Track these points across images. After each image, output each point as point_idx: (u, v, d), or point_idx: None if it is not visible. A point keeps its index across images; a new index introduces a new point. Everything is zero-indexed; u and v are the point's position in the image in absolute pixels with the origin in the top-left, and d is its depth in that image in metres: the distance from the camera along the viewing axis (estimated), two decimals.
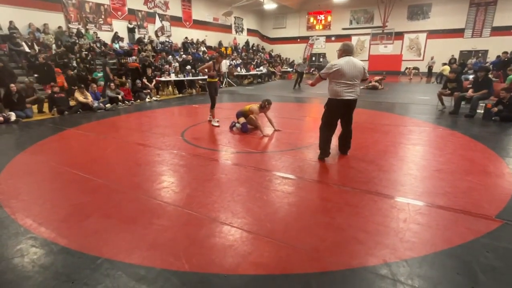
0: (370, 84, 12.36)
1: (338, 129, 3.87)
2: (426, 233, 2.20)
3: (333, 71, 3.45)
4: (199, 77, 11.88)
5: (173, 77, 11.12)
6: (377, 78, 12.64)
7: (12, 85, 6.62)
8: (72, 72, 9.21)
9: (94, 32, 12.53)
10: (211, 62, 5.73)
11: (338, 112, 3.65)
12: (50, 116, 7.01)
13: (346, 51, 3.57)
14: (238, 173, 3.44)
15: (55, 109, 7.17)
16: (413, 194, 2.86)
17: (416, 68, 17.71)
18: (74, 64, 10.13)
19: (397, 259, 1.92)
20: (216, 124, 5.83)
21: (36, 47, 9.86)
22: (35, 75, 8.93)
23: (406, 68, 18.31)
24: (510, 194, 2.80)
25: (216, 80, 5.83)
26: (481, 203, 2.64)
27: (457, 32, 18.25)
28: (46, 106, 7.38)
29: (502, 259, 1.91)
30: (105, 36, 12.89)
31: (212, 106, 5.91)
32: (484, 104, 6.34)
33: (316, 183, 3.14)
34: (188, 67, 12.18)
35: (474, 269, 1.82)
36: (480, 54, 16.95)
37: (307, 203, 2.70)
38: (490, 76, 7.25)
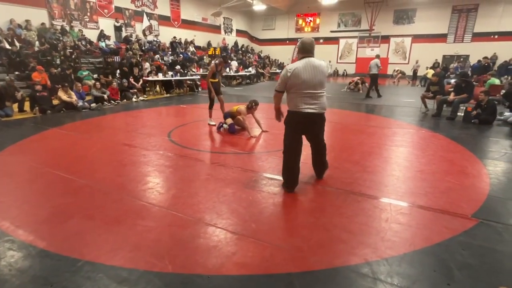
0: (351, 84, 12.66)
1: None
2: (406, 232, 2.26)
3: (289, 77, 2.65)
4: (187, 77, 11.79)
5: (160, 77, 10.99)
6: (356, 79, 12.92)
7: None
8: (55, 70, 8.98)
9: (79, 30, 12.24)
10: (213, 64, 5.82)
11: (299, 129, 2.84)
12: (32, 115, 6.80)
13: (304, 51, 2.73)
14: (225, 174, 3.44)
15: (37, 108, 6.96)
16: (396, 194, 2.93)
17: (402, 73, 18.12)
18: (58, 62, 9.87)
19: (378, 258, 1.97)
20: (212, 123, 5.86)
21: (17, 44, 9.54)
22: (16, 73, 8.65)
23: (394, 71, 18.61)
24: (486, 194, 2.91)
25: (217, 80, 5.83)
26: (459, 202, 2.73)
27: (440, 37, 18.81)
28: (27, 105, 7.16)
29: (476, 256, 1.98)
30: (91, 34, 12.61)
31: (210, 107, 5.90)
32: (464, 107, 6.56)
33: (302, 184, 3.17)
34: (178, 67, 12.06)
35: (450, 266, 1.89)
36: (461, 59, 17.52)
37: (292, 203, 2.73)
38: (471, 80, 7.51)
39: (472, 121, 6.15)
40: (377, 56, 10.71)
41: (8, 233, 2.21)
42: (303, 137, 2.92)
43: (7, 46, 9.24)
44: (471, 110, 6.24)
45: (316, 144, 3.03)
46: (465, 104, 6.64)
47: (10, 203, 2.71)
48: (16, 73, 8.71)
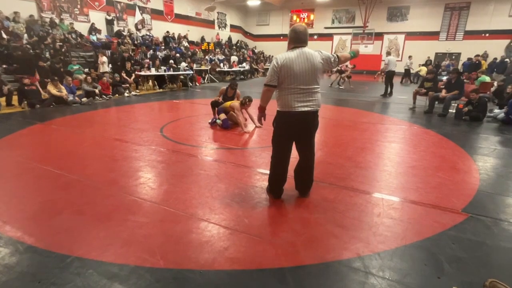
0: (343, 76, 12.45)
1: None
2: (398, 227, 2.28)
3: (279, 69, 2.32)
4: (181, 72, 11.66)
5: (153, 72, 10.85)
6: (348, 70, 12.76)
7: None
8: (45, 64, 8.77)
9: (70, 23, 11.96)
10: (223, 88, 5.86)
11: (290, 131, 2.50)
12: (20, 110, 6.65)
13: (296, 40, 2.39)
14: (218, 169, 3.42)
15: (25, 102, 6.80)
16: (388, 189, 2.95)
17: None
18: (47, 55, 9.65)
19: (370, 252, 1.98)
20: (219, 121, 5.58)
21: (5, 36, 9.28)
22: (4, 66, 8.43)
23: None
24: (476, 189, 2.96)
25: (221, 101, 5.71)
26: (450, 197, 2.77)
27: (433, 35, 18.95)
28: (15, 99, 6.99)
29: (466, 250, 2.01)
30: (81, 27, 12.34)
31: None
32: (456, 104, 6.64)
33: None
34: (171, 61, 11.91)
35: (440, 259, 1.91)
36: (453, 57, 17.71)
37: (285, 198, 2.72)
38: (462, 78, 7.60)
39: (463, 118, 6.23)
40: (390, 53, 10.54)
41: None
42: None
43: None
44: (463, 107, 6.32)
45: (307, 153, 2.60)
46: (456, 101, 6.72)
47: None
48: (4, 66, 8.48)
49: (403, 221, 2.37)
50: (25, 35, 9.95)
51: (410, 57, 16.30)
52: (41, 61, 8.69)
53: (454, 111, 6.69)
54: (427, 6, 18.64)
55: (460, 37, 18.32)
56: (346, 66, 12.74)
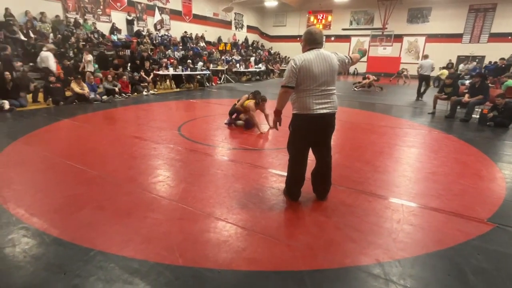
0: (364, 82, 12.34)
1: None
2: (419, 234, 2.22)
3: (297, 71, 2.29)
4: (197, 72, 11.81)
5: (171, 71, 11.04)
6: (372, 78, 12.59)
7: (7, 73, 6.52)
8: (68, 63, 9.09)
9: (92, 23, 12.36)
10: (246, 96, 5.44)
11: (309, 135, 2.48)
12: (45, 106, 6.92)
13: (312, 42, 2.39)
14: (234, 169, 3.44)
15: (50, 99, 7.08)
16: (408, 195, 2.88)
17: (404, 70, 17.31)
18: (71, 54, 9.99)
19: (389, 259, 1.94)
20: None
21: (32, 35, 9.69)
22: (31, 64, 8.79)
23: (403, 69, 17.93)
24: (502, 198, 2.84)
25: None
26: (474, 206, 2.67)
27: (456, 37, 18.36)
28: (41, 96, 7.29)
29: (492, 261, 1.93)
30: (103, 27, 12.72)
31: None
32: (480, 109, 6.40)
33: None
34: (189, 61, 12.09)
35: (465, 270, 1.84)
36: (476, 60, 17.07)
37: (302, 201, 2.70)
38: (486, 82, 7.31)
39: (488, 123, 6.00)
40: (427, 56, 10.13)
41: (23, 221, 2.25)
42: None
43: (22, 38, 9.39)
44: (487, 112, 6.08)
45: (325, 156, 2.59)
46: (480, 106, 6.48)
47: (24, 191, 2.77)
48: (31, 64, 8.85)
49: (424, 228, 2.31)
50: (51, 35, 10.34)
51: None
52: (66, 60, 9.01)
53: (477, 116, 6.45)
54: (450, 8, 18.07)
55: (485, 39, 17.66)
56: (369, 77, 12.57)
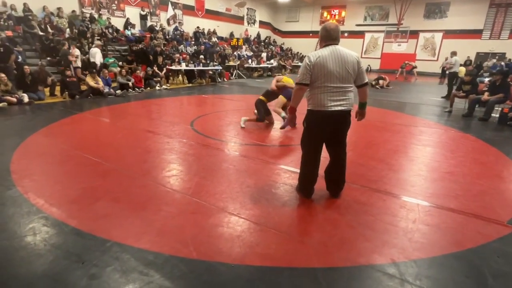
0: (382, 83, 12.10)
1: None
2: (435, 235, 2.18)
3: (312, 68, 2.27)
4: (210, 68, 11.84)
5: (183, 66, 11.10)
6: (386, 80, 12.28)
7: (26, 67, 6.70)
8: (84, 57, 9.26)
9: (107, 18, 12.53)
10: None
11: (323, 131, 2.44)
12: (62, 100, 7.08)
13: (327, 38, 2.35)
14: (247, 164, 3.44)
15: (66, 93, 7.24)
16: (423, 195, 2.82)
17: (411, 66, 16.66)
18: (87, 49, 10.17)
19: (405, 259, 1.91)
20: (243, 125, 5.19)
21: (50, 30, 9.90)
22: (48, 58, 9.00)
23: (406, 63, 17.15)
24: None
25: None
26: (493, 207, 2.59)
27: (475, 33, 17.75)
28: (58, 90, 7.46)
29: None
30: (118, 22, 12.89)
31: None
32: (500, 108, 6.18)
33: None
34: (201, 56, 12.12)
35: (484, 273, 1.80)
36: (497, 57, 16.47)
37: (315, 198, 2.68)
38: (508, 80, 7.04)
39: (508, 123, 5.79)
40: (455, 53, 9.68)
41: (43, 210, 2.32)
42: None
43: (40, 33, 9.62)
44: (508, 111, 5.87)
45: (339, 153, 2.57)
46: (501, 104, 6.26)
47: (44, 182, 2.85)
48: (48, 58, 9.06)
49: (441, 229, 2.26)
50: (67, 30, 10.54)
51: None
52: (82, 55, 9.17)
53: (497, 115, 6.23)
54: (470, 2, 17.47)
55: (506, 35, 17.01)
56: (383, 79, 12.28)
